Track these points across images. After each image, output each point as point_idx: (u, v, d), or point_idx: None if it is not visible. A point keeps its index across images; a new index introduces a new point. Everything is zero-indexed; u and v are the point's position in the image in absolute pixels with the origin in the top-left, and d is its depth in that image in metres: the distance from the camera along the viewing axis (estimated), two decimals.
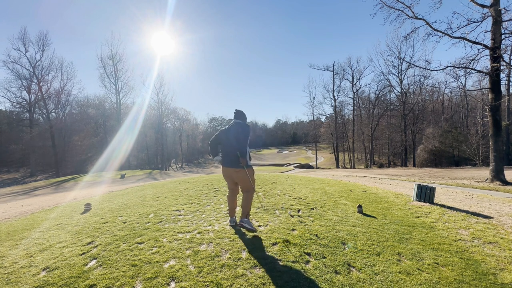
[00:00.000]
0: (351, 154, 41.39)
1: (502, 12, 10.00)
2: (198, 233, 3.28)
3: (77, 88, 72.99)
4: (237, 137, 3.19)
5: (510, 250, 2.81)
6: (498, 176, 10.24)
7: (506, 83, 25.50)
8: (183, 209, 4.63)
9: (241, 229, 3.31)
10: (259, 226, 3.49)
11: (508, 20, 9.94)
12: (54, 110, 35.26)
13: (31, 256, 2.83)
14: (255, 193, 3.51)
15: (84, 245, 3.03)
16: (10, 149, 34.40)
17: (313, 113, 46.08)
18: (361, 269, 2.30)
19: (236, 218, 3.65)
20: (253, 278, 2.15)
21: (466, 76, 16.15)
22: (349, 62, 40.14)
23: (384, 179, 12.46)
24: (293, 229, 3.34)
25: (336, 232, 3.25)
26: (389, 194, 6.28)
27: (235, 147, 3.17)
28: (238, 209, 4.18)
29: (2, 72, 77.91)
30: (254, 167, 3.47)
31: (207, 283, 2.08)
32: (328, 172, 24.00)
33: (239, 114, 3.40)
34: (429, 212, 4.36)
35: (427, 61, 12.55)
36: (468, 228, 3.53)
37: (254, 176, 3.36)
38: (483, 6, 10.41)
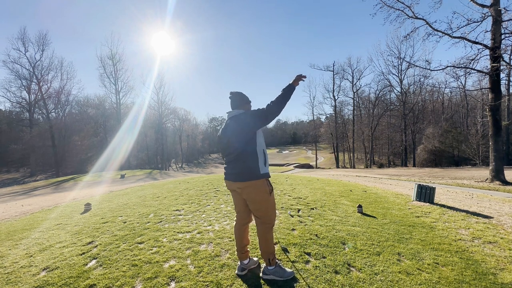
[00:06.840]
0: (351, 154, 41.38)
1: (502, 12, 10.00)
2: (198, 233, 3.28)
3: (77, 88, 73.23)
4: (240, 134, 2.05)
5: (510, 250, 2.81)
6: (498, 176, 10.25)
7: (506, 83, 25.54)
8: (183, 209, 4.63)
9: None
10: None
11: (508, 20, 9.94)
12: (54, 110, 35.30)
13: (31, 256, 2.83)
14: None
15: (84, 245, 3.03)
16: (10, 149, 34.34)
17: (313, 113, 46.21)
18: (361, 269, 2.30)
19: (256, 262, 2.32)
20: (253, 278, 2.14)
21: (466, 76, 16.14)
22: (349, 62, 40.27)
23: (384, 179, 12.46)
24: (293, 229, 3.34)
25: (336, 232, 3.25)
26: (389, 194, 6.28)
27: (239, 149, 2.05)
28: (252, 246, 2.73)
29: (2, 72, 77.90)
30: None
31: (207, 283, 2.08)
32: (328, 172, 24.01)
33: (236, 100, 2.23)
34: (429, 212, 4.36)
35: (427, 61, 12.58)
36: (468, 228, 3.53)
37: (272, 196, 2.11)
38: (483, 6, 10.41)
